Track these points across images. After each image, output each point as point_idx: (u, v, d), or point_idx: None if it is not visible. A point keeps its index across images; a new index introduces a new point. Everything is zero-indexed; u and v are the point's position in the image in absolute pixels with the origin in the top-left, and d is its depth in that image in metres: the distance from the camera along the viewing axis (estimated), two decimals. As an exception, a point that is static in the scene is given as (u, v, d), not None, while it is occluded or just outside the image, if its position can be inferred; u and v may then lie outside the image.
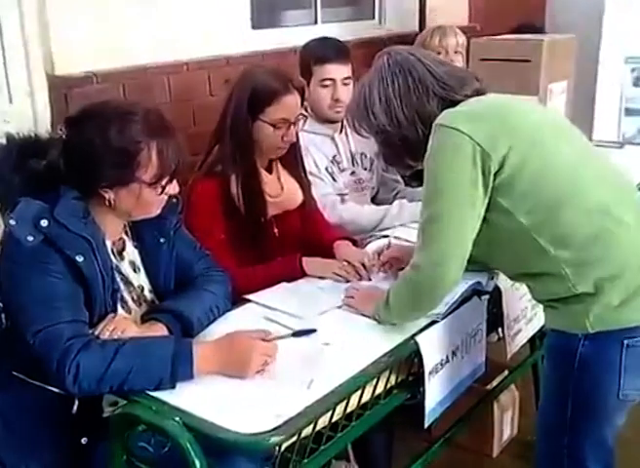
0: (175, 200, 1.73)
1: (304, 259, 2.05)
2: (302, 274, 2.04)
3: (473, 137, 1.52)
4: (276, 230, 2.18)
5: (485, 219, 1.57)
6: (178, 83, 2.68)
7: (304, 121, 2.16)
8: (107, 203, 1.58)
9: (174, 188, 1.64)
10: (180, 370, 1.46)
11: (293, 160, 2.22)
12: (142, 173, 1.56)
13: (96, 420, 1.59)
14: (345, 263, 2.04)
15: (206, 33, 2.78)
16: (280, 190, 2.18)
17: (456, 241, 1.57)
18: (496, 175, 1.54)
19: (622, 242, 1.54)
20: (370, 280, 2.01)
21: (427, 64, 1.68)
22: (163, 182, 1.59)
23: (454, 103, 1.64)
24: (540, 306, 1.71)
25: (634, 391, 1.60)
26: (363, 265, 2.03)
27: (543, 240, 1.54)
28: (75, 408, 1.55)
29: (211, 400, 1.45)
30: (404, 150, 1.72)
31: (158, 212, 1.66)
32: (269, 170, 2.19)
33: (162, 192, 1.60)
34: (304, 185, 2.25)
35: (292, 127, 2.09)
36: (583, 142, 1.70)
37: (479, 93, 1.69)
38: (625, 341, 1.53)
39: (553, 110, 1.82)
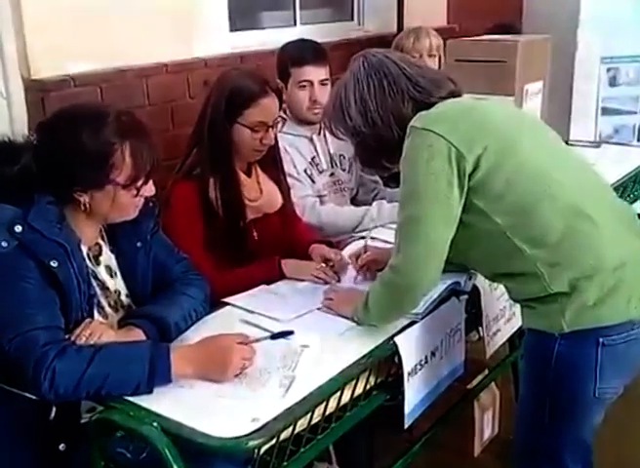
0: (152, 204, 1.72)
1: (283, 261, 2.05)
2: (281, 276, 2.04)
3: (448, 139, 1.54)
4: (255, 233, 2.17)
5: (461, 220, 1.58)
6: (156, 85, 2.66)
7: (283, 124, 2.16)
8: (82, 207, 1.57)
9: (149, 190, 1.63)
10: (157, 374, 1.45)
11: (272, 163, 2.22)
12: (117, 175, 1.55)
13: (74, 426, 1.57)
14: (323, 265, 2.04)
15: (184, 35, 2.77)
16: (259, 194, 2.17)
17: (433, 242, 1.57)
18: (470, 175, 1.55)
19: (596, 241, 1.55)
20: (339, 280, 2.01)
21: (402, 67, 1.69)
22: (138, 184, 1.58)
23: (428, 106, 1.65)
24: (518, 305, 1.72)
25: (611, 389, 1.62)
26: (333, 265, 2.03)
27: (519, 240, 1.55)
28: (53, 414, 1.54)
29: (189, 404, 1.45)
30: (380, 152, 1.72)
31: (135, 215, 1.65)
32: (248, 173, 2.18)
33: (137, 194, 1.59)
34: (284, 189, 2.25)
35: (270, 130, 2.09)
36: (557, 143, 1.72)
37: (454, 95, 1.70)
38: (601, 340, 1.55)
39: (527, 112, 1.83)
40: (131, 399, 1.45)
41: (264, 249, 2.15)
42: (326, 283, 2.00)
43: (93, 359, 1.43)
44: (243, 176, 2.14)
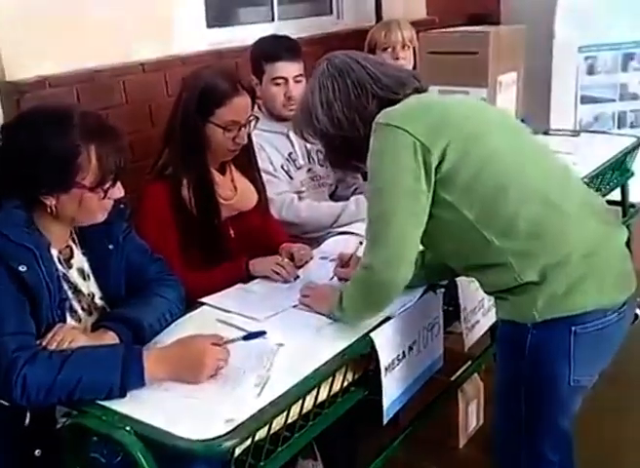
0: (122, 205, 1.71)
1: (251, 261, 2.03)
2: (250, 276, 2.02)
3: (413, 133, 1.53)
4: (232, 231, 2.17)
5: (430, 214, 1.58)
6: (133, 84, 2.64)
7: (256, 122, 2.14)
8: (49, 210, 1.55)
9: (118, 192, 1.61)
10: (130, 377, 1.45)
11: (246, 161, 2.21)
12: (83, 177, 1.53)
13: (49, 432, 1.57)
14: (285, 260, 2.03)
15: (161, 33, 2.75)
16: (233, 192, 2.16)
17: (403, 238, 1.57)
18: (437, 169, 1.55)
19: (564, 230, 1.56)
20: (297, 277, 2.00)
21: (365, 66, 1.69)
22: (105, 186, 1.56)
23: (393, 103, 1.65)
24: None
25: (585, 377, 1.63)
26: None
27: (487, 231, 1.55)
28: (27, 420, 1.53)
29: (163, 407, 1.44)
30: (348, 152, 1.73)
31: (104, 217, 1.64)
32: (222, 171, 2.17)
33: (105, 196, 1.58)
34: (258, 186, 2.23)
35: (243, 129, 2.07)
36: (524, 134, 1.72)
37: (419, 91, 1.70)
38: (573, 328, 1.55)
39: (492, 105, 1.83)
40: (104, 403, 1.44)
41: (242, 245, 2.15)
42: (285, 280, 1.98)
43: (64, 364, 1.42)
44: (216, 175, 2.13)
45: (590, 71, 3.71)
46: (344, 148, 1.72)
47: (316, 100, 1.70)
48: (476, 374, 2.64)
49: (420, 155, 1.53)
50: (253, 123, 2.11)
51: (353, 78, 1.67)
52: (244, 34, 3.14)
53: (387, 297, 1.65)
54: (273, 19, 3.45)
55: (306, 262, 2.08)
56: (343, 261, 1.99)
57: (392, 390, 1.75)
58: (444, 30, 2.67)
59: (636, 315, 3.35)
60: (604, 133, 3.47)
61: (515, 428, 1.68)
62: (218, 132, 2.05)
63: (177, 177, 2.05)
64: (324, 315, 1.77)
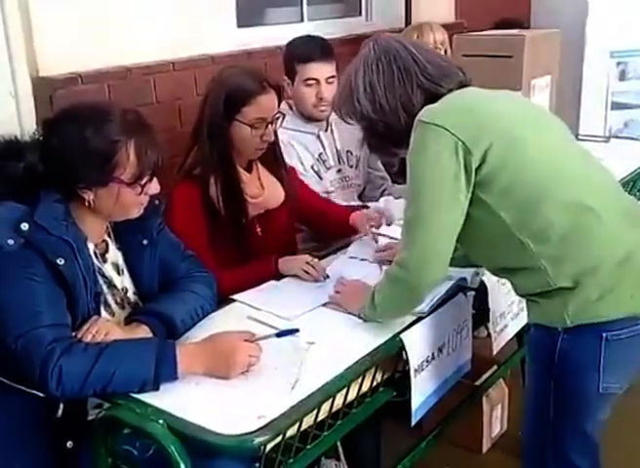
0: (157, 201, 1.72)
1: (280, 259, 2.03)
2: (279, 274, 2.02)
3: (455, 133, 1.52)
4: (259, 229, 2.17)
5: (467, 215, 1.57)
6: (164, 83, 2.67)
7: (283, 119, 2.14)
8: (87, 204, 1.57)
9: (154, 188, 1.63)
10: (163, 371, 1.46)
11: (273, 158, 2.20)
12: (121, 172, 1.55)
13: (81, 424, 1.58)
14: (315, 260, 2.03)
15: (192, 32, 2.77)
16: (260, 190, 2.16)
17: (441, 237, 1.56)
18: (477, 170, 1.54)
19: (600, 237, 1.54)
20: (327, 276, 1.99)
21: (413, 52, 1.66)
22: (142, 182, 1.58)
23: (436, 97, 1.63)
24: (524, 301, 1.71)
25: (614, 384, 1.61)
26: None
27: (523, 235, 1.55)
28: (60, 411, 1.55)
29: (195, 401, 1.45)
30: (387, 138, 1.71)
31: (139, 213, 1.65)
32: (249, 169, 2.17)
33: (142, 192, 1.59)
34: (286, 183, 2.22)
35: (269, 126, 2.07)
36: (565, 136, 1.71)
37: (462, 85, 1.69)
38: (604, 334, 1.54)
39: (536, 103, 1.81)
40: (137, 396, 1.45)
41: (269, 244, 2.15)
42: (316, 280, 1.98)
43: (99, 357, 1.44)
44: (243, 173, 2.13)
45: (622, 77, 3.69)
46: (384, 133, 1.69)
47: (359, 82, 1.67)
48: (501, 380, 2.62)
49: (461, 156, 1.52)
50: (280, 120, 2.12)
51: (400, 63, 1.65)
52: (273, 34, 3.15)
53: (419, 296, 1.64)
54: (303, 20, 3.46)
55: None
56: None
57: (421, 392, 1.74)
58: (479, 33, 2.66)
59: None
60: (634, 139, 3.44)
61: (543, 432, 1.67)
62: (245, 130, 2.05)
63: (204, 177, 2.06)
64: (354, 315, 1.77)
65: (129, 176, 1.56)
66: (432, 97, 1.64)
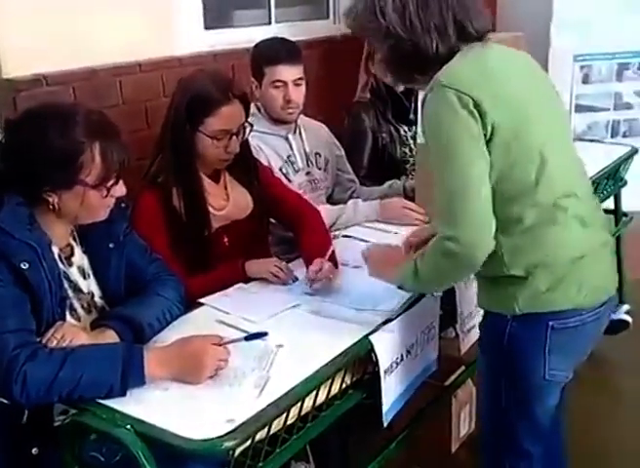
0: (123, 204, 1.70)
1: (247, 263, 2.01)
2: (246, 278, 2.00)
3: (475, 98, 1.46)
4: (226, 240, 2.11)
5: None
6: (130, 84, 2.64)
7: (250, 129, 2.10)
8: (51, 207, 1.55)
9: (120, 190, 1.61)
10: (130, 376, 1.44)
11: (242, 169, 2.16)
12: (86, 174, 1.53)
13: (46, 430, 1.56)
14: (278, 261, 2.01)
15: (158, 33, 2.75)
16: (226, 201, 2.12)
17: (482, 206, 1.50)
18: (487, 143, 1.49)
19: (562, 238, 1.57)
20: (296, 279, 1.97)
21: None
22: (108, 184, 1.56)
23: (465, 36, 1.55)
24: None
25: (561, 372, 1.65)
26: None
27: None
28: (25, 417, 1.52)
29: (163, 406, 1.44)
30: (414, 61, 1.57)
31: (105, 216, 1.63)
32: (216, 179, 2.13)
33: (107, 195, 1.58)
34: (254, 192, 2.18)
35: (234, 137, 2.03)
36: (562, 125, 1.69)
37: (485, 32, 1.59)
38: (551, 323, 1.58)
39: (548, 81, 1.72)
40: (104, 402, 1.43)
41: (237, 254, 2.08)
42: (284, 283, 1.97)
43: (65, 362, 1.42)
44: (209, 183, 2.09)
45: (585, 80, 3.75)
46: (411, 55, 1.55)
47: None
48: (469, 380, 2.64)
49: (478, 122, 1.47)
50: (247, 130, 2.07)
51: None
52: (241, 36, 3.15)
53: (478, 266, 1.54)
54: (270, 22, 3.45)
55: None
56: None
57: (391, 393, 1.75)
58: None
59: (626, 322, 3.39)
60: (598, 141, 3.50)
61: (497, 420, 1.72)
62: (207, 141, 2.00)
63: (167, 186, 2.01)
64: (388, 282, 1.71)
65: (94, 179, 1.54)
66: (462, 34, 1.54)
